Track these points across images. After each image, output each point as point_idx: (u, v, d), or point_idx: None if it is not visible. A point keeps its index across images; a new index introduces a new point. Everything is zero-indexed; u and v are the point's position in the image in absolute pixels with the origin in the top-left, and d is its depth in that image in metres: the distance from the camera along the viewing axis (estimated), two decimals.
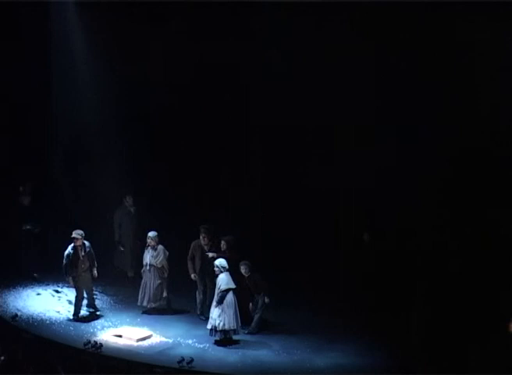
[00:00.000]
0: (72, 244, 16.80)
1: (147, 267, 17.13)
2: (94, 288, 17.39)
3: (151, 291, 17.08)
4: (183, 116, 19.96)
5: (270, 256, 18.07)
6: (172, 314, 17.16)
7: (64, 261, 16.80)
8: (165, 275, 17.15)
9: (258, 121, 19.31)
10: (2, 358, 13.08)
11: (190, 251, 16.97)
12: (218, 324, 15.53)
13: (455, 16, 16.66)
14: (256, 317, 16.31)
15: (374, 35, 17.58)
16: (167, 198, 19.97)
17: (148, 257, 17.14)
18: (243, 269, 16.19)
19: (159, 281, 17.11)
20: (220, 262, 15.83)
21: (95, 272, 17.00)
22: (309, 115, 18.57)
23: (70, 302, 17.38)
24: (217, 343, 15.64)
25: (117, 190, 19.52)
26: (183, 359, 14.57)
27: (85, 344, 15.24)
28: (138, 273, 17.70)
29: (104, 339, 15.71)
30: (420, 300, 15.89)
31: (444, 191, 17.09)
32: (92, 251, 16.97)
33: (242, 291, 16.08)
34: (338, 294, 17.11)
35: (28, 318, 16.77)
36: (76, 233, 16.77)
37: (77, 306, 16.94)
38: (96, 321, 16.73)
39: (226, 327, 15.56)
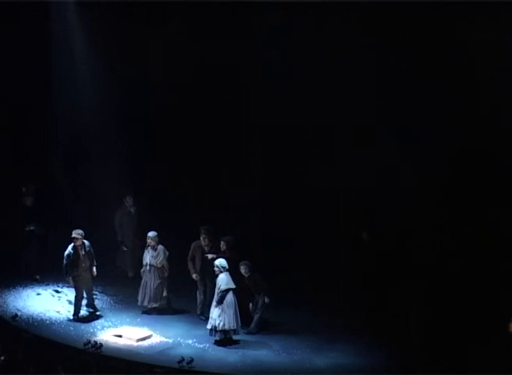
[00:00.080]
0: (72, 244, 16.79)
1: (147, 267, 17.11)
2: (94, 288, 17.39)
3: (152, 291, 17.07)
4: (183, 116, 19.96)
5: (270, 256, 18.07)
6: (172, 314, 17.14)
7: (64, 261, 16.80)
8: (165, 275, 17.14)
9: (258, 121, 19.32)
10: (2, 358, 13.10)
11: (190, 252, 16.96)
12: (218, 324, 15.52)
13: (455, 16, 16.67)
14: (256, 317, 16.30)
15: (374, 35, 17.60)
16: (167, 198, 19.96)
17: (148, 257, 17.13)
18: (243, 269, 16.18)
19: (159, 281, 17.10)
20: (220, 262, 15.82)
21: (94, 270, 17.01)
22: (309, 115, 18.59)
23: (70, 302, 17.37)
24: (217, 343, 15.63)
25: (117, 190, 19.49)
26: (183, 359, 14.56)
27: (85, 344, 15.22)
28: (138, 273, 17.69)
29: (104, 339, 15.70)
30: (420, 300, 15.87)
31: (444, 191, 17.09)
32: (92, 250, 16.97)
33: (242, 291, 16.06)
34: (338, 294, 17.09)
35: (28, 318, 16.76)
36: (76, 233, 16.77)
37: (77, 306, 16.93)
38: (96, 321, 16.72)
39: (226, 327, 15.55)
